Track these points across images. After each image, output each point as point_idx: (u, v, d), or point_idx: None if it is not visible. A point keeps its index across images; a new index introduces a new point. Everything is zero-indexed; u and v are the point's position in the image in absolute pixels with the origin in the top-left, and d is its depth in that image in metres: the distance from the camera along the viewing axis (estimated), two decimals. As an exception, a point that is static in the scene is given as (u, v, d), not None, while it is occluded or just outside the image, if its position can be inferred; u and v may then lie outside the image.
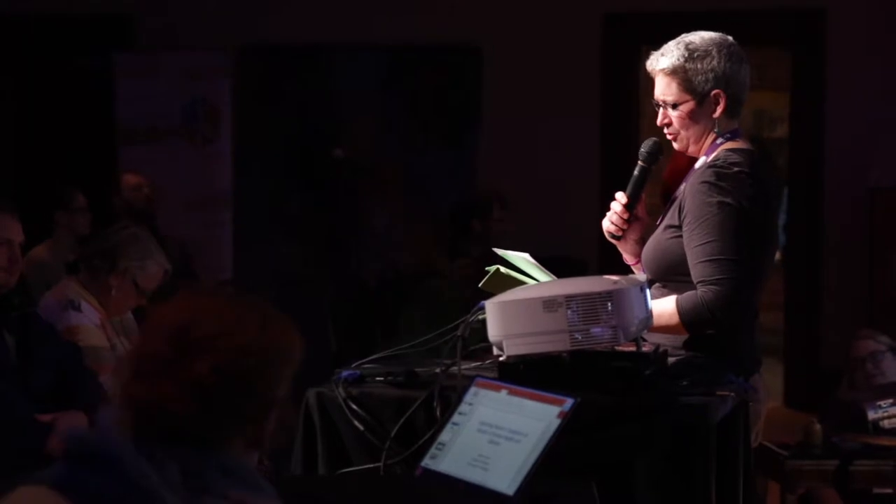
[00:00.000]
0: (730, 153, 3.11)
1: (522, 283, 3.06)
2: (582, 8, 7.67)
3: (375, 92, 7.92)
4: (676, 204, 3.14)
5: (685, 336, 3.06)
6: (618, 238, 3.28)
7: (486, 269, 3.12)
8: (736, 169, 3.06)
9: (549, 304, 2.74)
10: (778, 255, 7.90)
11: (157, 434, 1.73)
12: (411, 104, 7.91)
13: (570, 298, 2.73)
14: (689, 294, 3.01)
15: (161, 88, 7.50)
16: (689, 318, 3.00)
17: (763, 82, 9.64)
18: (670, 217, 3.15)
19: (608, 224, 3.27)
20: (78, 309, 4.22)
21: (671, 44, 3.17)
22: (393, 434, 2.80)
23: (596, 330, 2.73)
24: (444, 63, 7.90)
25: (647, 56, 3.25)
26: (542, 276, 3.11)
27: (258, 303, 1.86)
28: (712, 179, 3.04)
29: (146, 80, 7.52)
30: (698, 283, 3.01)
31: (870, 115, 7.49)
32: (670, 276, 3.10)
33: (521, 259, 3.14)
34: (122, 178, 6.53)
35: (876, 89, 7.52)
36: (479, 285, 3.14)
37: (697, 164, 3.19)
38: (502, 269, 3.09)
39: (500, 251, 3.19)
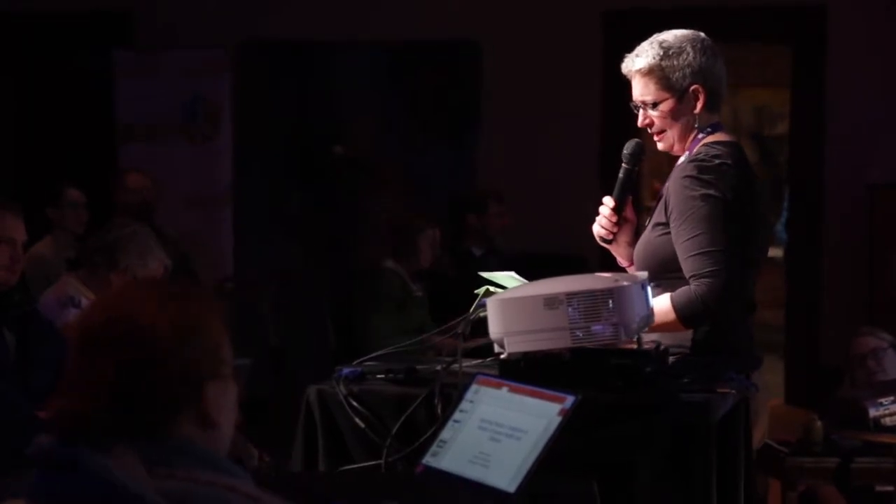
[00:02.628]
0: (711, 146, 3.12)
1: None
2: (580, 5, 7.67)
3: (375, 90, 7.92)
4: (662, 201, 3.14)
5: (683, 336, 3.06)
6: (609, 242, 3.28)
7: (476, 291, 3.13)
8: (718, 161, 3.06)
9: (550, 301, 2.74)
10: (781, 253, 7.94)
11: (98, 435, 1.73)
12: (411, 102, 7.90)
13: (571, 296, 2.73)
14: (682, 290, 3.02)
15: (160, 86, 7.49)
16: (685, 313, 3.00)
17: (764, 78, 9.64)
18: (657, 215, 3.15)
19: (598, 229, 3.27)
20: (78, 306, 4.22)
21: (644, 44, 3.18)
22: (394, 431, 2.80)
23: (597, 327, 2.73)
24: (443, 61, 7.89)
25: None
26: None
27: (158, 284, 1.86)
28: (694, 173, 3.05)
29: (145, 79, 7.51)
30: (690, 277, 3.01)
31: (870, 113, 7.49)
32: (663, 273, 3.10)
33: (508, 278, 3.14)
34: (126, 176, 6.49)
35: (876, 87, 7.51)
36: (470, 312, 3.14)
37: (680, 160, 3.19)
38: (491, 289, 3.09)
39: (485, 274, 3.19)
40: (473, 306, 3.06)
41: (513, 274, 3.14)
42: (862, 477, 4.68)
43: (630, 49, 3.25)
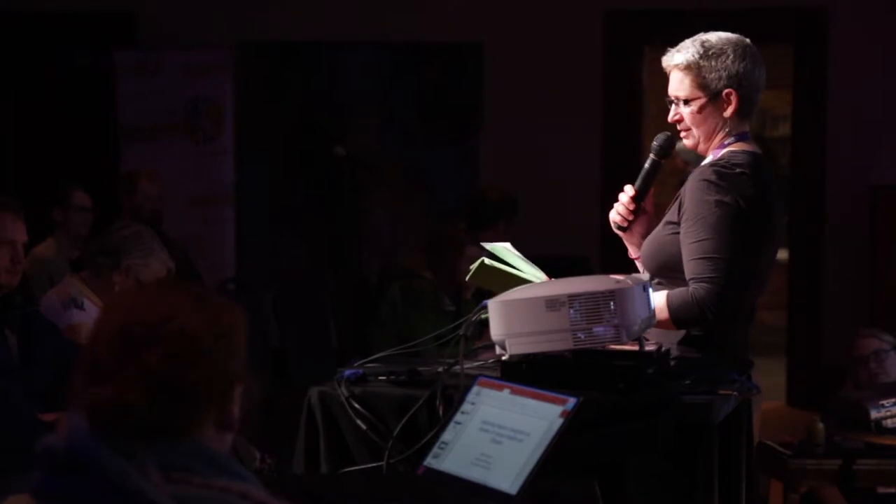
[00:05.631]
0: (735, 153, 3.12)
1: (508, 273, 3.06)
2: (582, 5, 7.68)
3: (377, 89, 7.92)
4: (678, 201, 3.14)
5: (678, 335, 3.06)
6: (623, 229, 3.28)
7: (470, 267, 3.13)
8: (738, 169, 3.06)
9: (552, 303, 2.74)
10: (785, 255, 7.94)
11: (126, 431, 1.74)
12: (413, 101, 7.91)
13: (572, 298, 2.73)
14: (680, 290, 3.02)
15: (162, 86, 7.50)
16: (678, 315, 3.01)
17: (765, 80, 9.63)
18: (670, 213, 3.15)
19: (614, 215, 3.27)
20: (80, 307, 4.21)
21: (687, 41, 3.18)
22: (395, 433, 2.80)
23: (598, 329, 2.73)
24: (446, 60, 7.90)
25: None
26: (525, 265, 3.12)
27: (190, 286, 1.89)
28: (713, 178, 3.05)
29: (147, 78, 7.51)
30: (690, 279, 3.02)
31: (871, 114, 7.49)
32: (667, 272, 3.11)
33: (504, 250, 3.14)
34: (140, 183, 6.45)
35: (878, 87, 7.52)
36: (466, 278, 3.14)
37: (704, 162, 3.19)
38: (487, 260, 3.09)
39: (485, 245, 3.20)
40: (471, 273, 3.06)
41: (508, 246, 3.14)
42: (864, 479, 4.67)
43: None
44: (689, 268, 3.02)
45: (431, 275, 5.64)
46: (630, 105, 7.50)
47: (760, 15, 7.56)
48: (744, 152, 3.13)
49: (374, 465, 2.80)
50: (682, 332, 3.08)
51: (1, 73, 7.93)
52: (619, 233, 3.31)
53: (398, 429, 2.80)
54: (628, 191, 3.26)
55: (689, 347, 3.06)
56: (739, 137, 3.17)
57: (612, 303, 2.72)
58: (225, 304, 1.85)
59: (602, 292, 2.73)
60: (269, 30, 7.85)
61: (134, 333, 1.77)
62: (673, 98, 3.19)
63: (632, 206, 3.25)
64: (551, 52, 7.70)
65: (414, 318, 5.49)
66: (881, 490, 4.83)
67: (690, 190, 3.08)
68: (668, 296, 3.02)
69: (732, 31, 3.24)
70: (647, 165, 3.25)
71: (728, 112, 3.14)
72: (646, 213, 3.29)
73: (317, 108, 7.93)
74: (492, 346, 2.91)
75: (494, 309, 2.82)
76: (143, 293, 1.87)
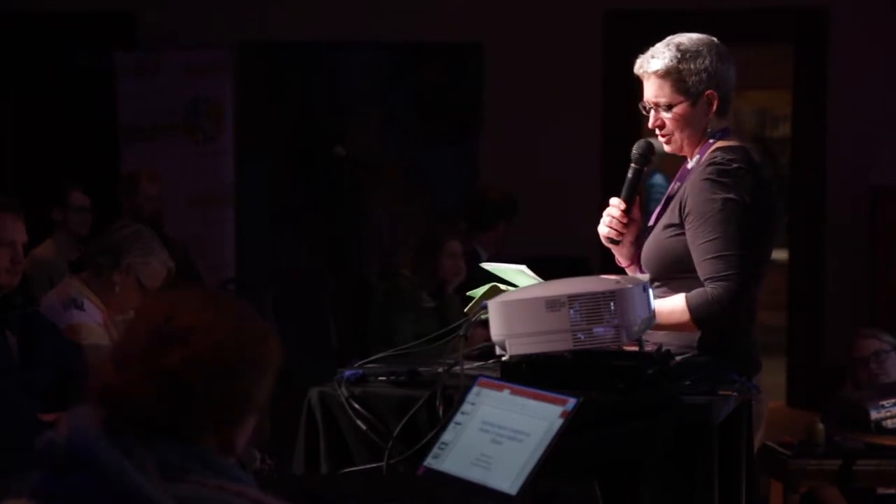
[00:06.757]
0: (725, 151, 3.12)
1: None
2: (582, 5, 7.68)
3: (378, 89, 7.92)
4: (676, 203, 3.14)
5: (691, 337, 3.06)
6: (616, 243, 3.28)
7: (469, 294, 3.10)
8: (735, 165, 3.07)
9: (552, 303, 2.74)
10: (785, 255, 7.94)
11: (128, 425, 1.74)
12: (413, 101, 7.91)
13: (572, 298, 2.73)
14: (698, 291, 3.02)
15: (162, 86, 7.49)
16: (699, 315, 3.01)
17: (765, 81, 9.64)
18: (669, 216, 3.15)
19: (606, 230, 3.26)
20: (80, 307, 4.21)
21: (660, 46, 3.17)
22: (395, 433, 2.80)
23: (598, 329, 2.73)
24: (446, 60, 7.90)
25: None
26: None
27: (243, 306, 1.87)
28: (714, 176, 3.05)
29: (147, 78, 7.51)
30: (706, 279, 3.02)
31: (872, 114, 7.49)
32: (671, 274, 3.11)
33: (517, 272, 3.11)
34: (141, 184, 6.44)
35: (878, 87, 7.52)
36: (469, 294, 3.11)
37: (690, 164, 3.19)
38: (501, 286, 3.07)
39: (490, 266, 3.16)
40: (470, 305, 3.05)
41: (523, 268, 3.10)
42: (864, 479, 4.68)
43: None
44: (703, 268, 3.03)
45: (410, 272, 5.66)
46: (630, 105, 7.47)
47: (760, 15, 7.56)
48: (732, 148, 3.13)
49: (374, 465, 2.80)
50: (697, 334, 3.07)
51: (1, 73, 7.92)
52: (611, 245, 3.31)
53: (398, 429, 2.80)
54: (617, 204, 3.24)
55: (701, 352, 3.06)
56: (722, 134, 3.17)
57: (612, 303, 2.72)
58: (267, 335, 1.84)
59: (602, 293, 2.74)
60: (269, 30, 7.85)
61: (166, 330, 1.77)
62: (651, 104, 3.18)
63: (624, 220, 3.25)
64: (551, 52, 7.71)
65: (395, 317, 5.51)
66: (881, 490, 4.83)
67: (693, 191, 3.08)
68: (687, 298, 3.02)
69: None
70: (629, 175, 3.25)
71: (710, 113, 3.14)
72: (634, 221, 3.28)
73: (317, 108, 7.93)
74: (484, 348, 2.90)
75: (494, 309, 2.82)
76: (195, 295, 1.86)
